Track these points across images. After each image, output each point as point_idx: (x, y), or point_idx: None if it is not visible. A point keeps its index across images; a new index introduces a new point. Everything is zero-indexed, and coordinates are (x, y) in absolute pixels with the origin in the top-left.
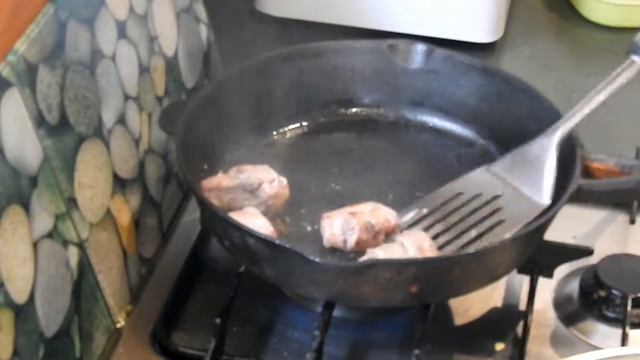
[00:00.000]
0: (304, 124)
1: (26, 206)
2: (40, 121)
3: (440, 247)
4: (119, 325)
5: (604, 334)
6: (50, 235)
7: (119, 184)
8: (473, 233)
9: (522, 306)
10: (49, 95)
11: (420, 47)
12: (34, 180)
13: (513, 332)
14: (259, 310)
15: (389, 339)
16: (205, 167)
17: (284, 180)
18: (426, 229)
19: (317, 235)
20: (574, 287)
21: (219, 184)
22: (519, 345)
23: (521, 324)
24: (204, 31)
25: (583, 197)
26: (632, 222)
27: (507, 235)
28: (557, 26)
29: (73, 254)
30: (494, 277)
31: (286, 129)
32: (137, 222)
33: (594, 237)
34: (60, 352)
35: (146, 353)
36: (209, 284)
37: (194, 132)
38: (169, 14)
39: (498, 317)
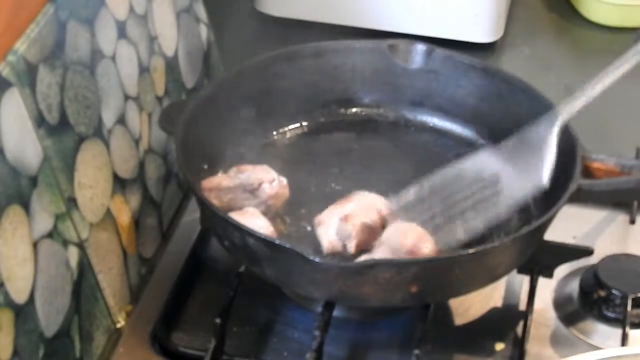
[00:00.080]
0: (304, 124)
1: (26, 206)
2: (40, 121)
3: (434, 228)
4: (119, 325)
5: (604, 334)
6: (50, 235)
7: (119, 184)
8: (469, 203)
9: (522, 306)
10: (49, 95)
11: (420, 47)
12: (34, 180)
13: (513, 332)
14: (259, 310)
15: (389, 339)
16: (205, 167)
17: (284, 180)
18: (422, 209)
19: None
20: (574, 287)
21: (219, 184)
22: (519, 345)
23: (521, 324)
24: (204, 31)
25: (583, 197)
26: (632, 222)
27: (503, 208)
28: (557, 26)
29: (73, 254)
30: (494, 277)
31: (286, 129)
32: (137, 222)
33: (594, 237)
34: (60, 352)
35: (146, 353)
36: (209, 284)
37: (194, 132)
38: (169, 14)
39: (498, 317)
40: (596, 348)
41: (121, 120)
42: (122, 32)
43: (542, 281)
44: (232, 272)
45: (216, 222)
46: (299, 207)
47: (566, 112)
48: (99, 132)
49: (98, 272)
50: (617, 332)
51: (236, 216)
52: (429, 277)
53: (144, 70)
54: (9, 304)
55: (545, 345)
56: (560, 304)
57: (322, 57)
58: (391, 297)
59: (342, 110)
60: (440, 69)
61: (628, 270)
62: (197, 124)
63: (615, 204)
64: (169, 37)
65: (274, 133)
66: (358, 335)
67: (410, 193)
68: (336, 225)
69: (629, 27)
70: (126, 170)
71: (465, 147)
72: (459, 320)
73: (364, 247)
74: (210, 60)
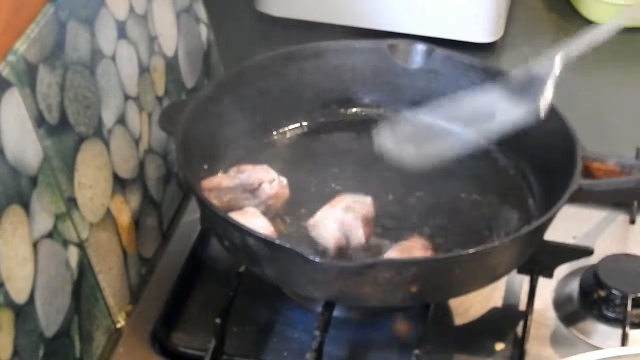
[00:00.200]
0: (304, 124)
1: (26, 206)
2: (40, 121)
3: (418, 146)
4: (119, 325)
5: (604, 334)
6: (50, 235)
7: (119, 184)
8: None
9: (522, 306)
10: (49, 95)
11: (420, 47)
12: (34, 180)
13: (513, 332)
14: (259, 310)
15: (389, 339)
16: (205, 167)
17: (284, 180)
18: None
19: None
20: (574, 287)
21: (219, 184)
22: (519, 345)
23: (521, 324)
24: (204, 31)
25: (583, 197)
26: (632, 222)
27: (495, 130)
28: (557, 26)
29: (73, 254)
30: (494, 277)
31: (286, 129)
32: (137, 222)
33: (594, 237)
34: (60, 352)
35: (146, 353)
36: (209, 284)
37: (194, 132)
38: (169, 14)
39: (498, 317)
40: (596, 348)
41: (121, 120)
42: (122, 32)
43: (542, 281)
44: (232, 272)
45: (216, 222)
46: (299, 207)
47: (566, 52)
48: (99, 132)
49: (98, 272)
50: (617, 332)
51: (236, 216)
52: (429, 277)
53: (144, 70)
54: (9, 304)
55: (545, 345)
56: (560, 304)
57: (322, 57)
58: (391, 297)
59: (342, 110)
60: (440, 69)
61: (628, 270)
62: (197, 124)
63: (615, 204)
64: (169, 37)
65: (274, 133)
66: (358, 335)
67: (404, 121)
68: (337, 219)
69: (629, 27)
70: (126, 170)
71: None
72: (459, 320)
73: (366, 236)
74: (210, 60)
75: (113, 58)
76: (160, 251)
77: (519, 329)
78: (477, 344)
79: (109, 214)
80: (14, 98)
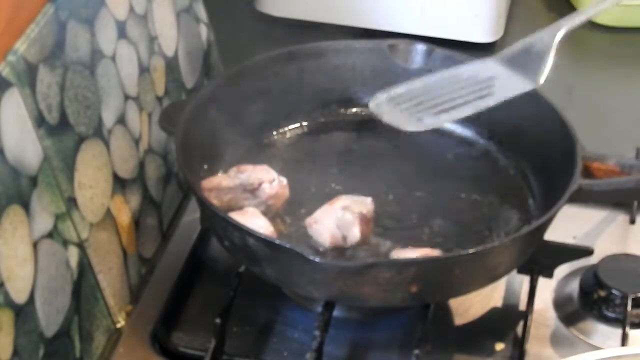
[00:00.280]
0: (304, 124)
1: (26, 206)
2: (40, 121)
3: (420, 115)
4: (119, 325)
5: (604, 334)
6: (50, 235)
7: (119, 184)
8: (459, 101)
9: (522, 306)
10: (49, 95)
11: (420, 47)
12: (34, 180)
13: (513, 332)
14: (259, 310)
15: (389, 339)
16: (205, 167)
17: (284, 180)
18: (413, 97)
19: None
20: (574, 287)
21: (219, 184)
22: (519, 345)
23: (521, 324)
24: (204, 31)
25: (583, 197)
26: (632, 222)
27: (490, 102)
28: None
29: (73, 254)
30: (494, 277)
31: (286, 129)
32: (137, 222)
33: (594, 237)
34: (60, 352)
35: (146, 353)
36: (209, 284)
37: (194, 132)
38: (169, 14)
39: (498, 317)
40: (596, 348)
41: (121, 120)
42: (122, 32)
43: (542, 281)
44: (232, 272)
45: (216, 222)
46: (299, 207)
47: (568, 23)
48: (99, 132)
49: (98, 272)
50: (617, 332)
51: (236, 216)
52: (429, 277)
53: (144, 70)
54: (9, 304)
55: (545, 345)
56: (560, 304)
57: (322, 57)
58: (391, 297)
59: (342, 110)
60: (440, 69)
61: (628, 270)
62: (197, 124)
63: (615, 204)
64: (169, 37)
65: (274, 133)
66: (358, 335)
67: (401, 87)
68: (335, 217)
69: (629, 27)
70: (126, 170)
71: (465, 147)
72: (459, 320)
73: (365, 236)
74: (210, 60)
75: (113, 58)
76: (160, 251)
77: (519, 329)
78: (477, 344)
79: (109, 214)
80: (14, 98)
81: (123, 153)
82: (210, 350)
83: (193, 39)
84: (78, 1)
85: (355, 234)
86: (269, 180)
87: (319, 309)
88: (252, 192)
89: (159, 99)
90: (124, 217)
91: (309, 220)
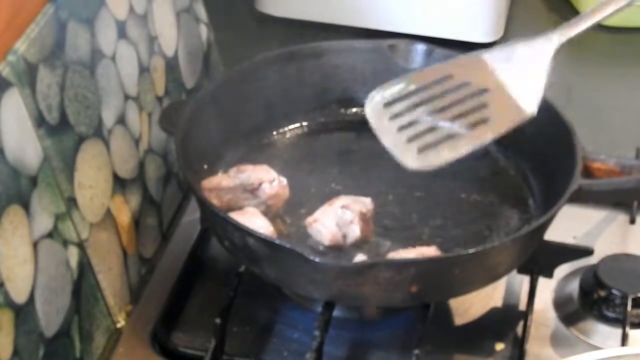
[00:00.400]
0: (304, 124)
1: (26, 206)
2: (40, 121)
3: (421, 148)
4: (119, 325)
5: (604, 334)
6: (50, 235)
7: (119, 184)
8: (456, 128)
9: (522, 306)
10: (49, 95)
11: (420, 47)
12: (34, 180)
13: (513, 332)
14: (259, 310)
15: (389, 339)
16: (205, 167)
17: (284, 180)
18: (408, 110)
19: None
20: (574, 287)
21: (219, 184)
22: (519, 345)
23: (521, 324)
24: (204, 31)
25: (583, 197)
26: (632, 222)
27: (488, 137)
28: (557, 26)
29: (73, 254)
30: (494, 277)
31: (286, 129)
32: (137, 222)
33: (594, 237)
34: (60, 352)
35: (146, 353)
36: (209, 284)
37: (194, 132)
38: (169, 14)
39: (498, 317)
40: (596, 348)
41: (121, 120)
42: (122, 32)
43: (542, 281)
44: (232, 272)
45: (216, 222)
46: (299, 207)
47: (563, 35)
48: (99, 132)
49: (98, 272)
50: (617, 332)
51: (236, 216)
52: (429, 277)
53: (144, 70)
54: (9, 304)
55: (545, 345)
56: (560, 304)
57: (322, 57)
58: (391, 297)
59: (342, 110)
60: None
61: (628, 270)
62: (197, 124)
63: (615, 204)
64: (169, 37)
65: (274, 133)
66: (358, 335)
67: (397, 88)
68: (335, 216)
69: (629, 27)
70: (126, 170)
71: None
72: (459, 320)
73: (365, 234)
74: (210, 60)
75: (113, 58)
76: (160, 251)
77: (519, 329)
78: (477, 344)
79: (109, 214)
80: (14, 98)
81: (123, 153)
82: (210, 350)
83: (193, 39)
84: (78, 1)
85: (355, 231)
86: (269, 180)
87: (319, 309)
88: (252, 192)
89: (159, 99)
90: (124, 217)
91: (308, 220)
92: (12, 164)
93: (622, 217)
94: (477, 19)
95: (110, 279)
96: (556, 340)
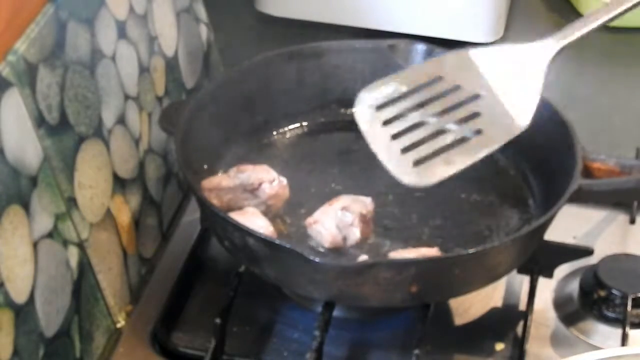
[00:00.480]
0: (304, 124)
1: (26, 206)
2: (40, 121)
3: (416, 161)
4: (119, 325)
5: (604, 334)
6: (50, 235)
7: (119, 184)
8: (448, 139)
9: (522, 306)
10: (49, 95)
11: (420, 47)
12: (34, 180)
13: (513, 332)
14: (259, 310)
15: (389, 339)
16: (205, 167)
17: (284, 180)
18: (400, 116)
19: None
20: (574, 287)
21: (219, 184)
22: (519, 345)
23: (521, 324)
24: (204, 31)
25: (583, 197)
26: (632, 222)
27: (483, 152)
28: (557, 26)
29: (73, 254)
30: (494, 277)
31: (286, 129)
32: (137, 222)
33: (594, 237)
34: (60, 352)
35: (146, 353)
36: (209, 284)
37: (194, 132)
38: (169, 14)
39: (498, 317)
40: (596, 348)
41: (121, 120)
42: (122, 32)
43: (542, 281)
44: (232, 272)
45: (216, 222)
46: (299, 207)
47: (559, 44)
48: (99, 132)
49: (98, 272)
50: (617, 332)
51: (236, 216)
52: (429, 277)
53: (144, 70)
54: (9, 304)
55: (545, 345)
56: (560, 304)
57: (322, 57)
58: (391, 297)
59: (342, 110)
60: None
61: (628, 270)
62: (197, 124)
63: (615, 204)
64: (169, 37)
65: (274, 133)
66: (358, 335)
67: (390, 89)
68: (335, 218)
69: (629, 27)
70: (126, 170)
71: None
72: (459, 320)
73: (365, 236)
74: (210, 60)
75: (113, 58)
76: (160, 251)
77: (519, 329)
78: (477, 344)
79: (109, 214)
80: (14, 98)
81: (123, 153)
82: (210, 350)
83: (193, 39)
84: (78, 1)
85: (355, 234)
86: (269, 180)
87: (319, 309)
88: (252, 192)
89: (159, 99)
90: (124, 217)
91: (308, 220)
92: (12, 164)
93: (622, 217)
94: (477, 19)
95: (110, 279)
96: (556, 340)
